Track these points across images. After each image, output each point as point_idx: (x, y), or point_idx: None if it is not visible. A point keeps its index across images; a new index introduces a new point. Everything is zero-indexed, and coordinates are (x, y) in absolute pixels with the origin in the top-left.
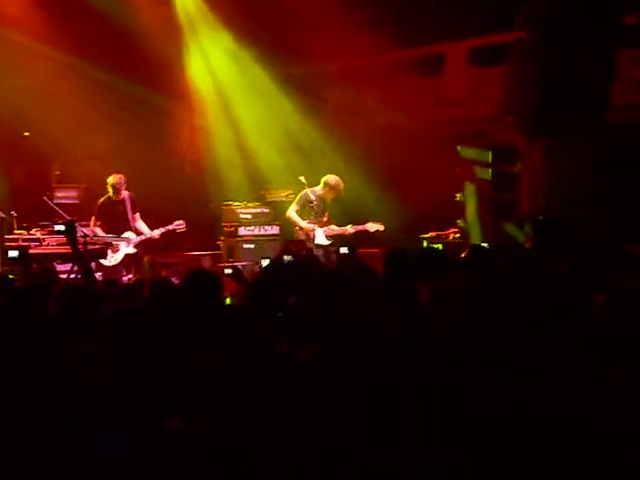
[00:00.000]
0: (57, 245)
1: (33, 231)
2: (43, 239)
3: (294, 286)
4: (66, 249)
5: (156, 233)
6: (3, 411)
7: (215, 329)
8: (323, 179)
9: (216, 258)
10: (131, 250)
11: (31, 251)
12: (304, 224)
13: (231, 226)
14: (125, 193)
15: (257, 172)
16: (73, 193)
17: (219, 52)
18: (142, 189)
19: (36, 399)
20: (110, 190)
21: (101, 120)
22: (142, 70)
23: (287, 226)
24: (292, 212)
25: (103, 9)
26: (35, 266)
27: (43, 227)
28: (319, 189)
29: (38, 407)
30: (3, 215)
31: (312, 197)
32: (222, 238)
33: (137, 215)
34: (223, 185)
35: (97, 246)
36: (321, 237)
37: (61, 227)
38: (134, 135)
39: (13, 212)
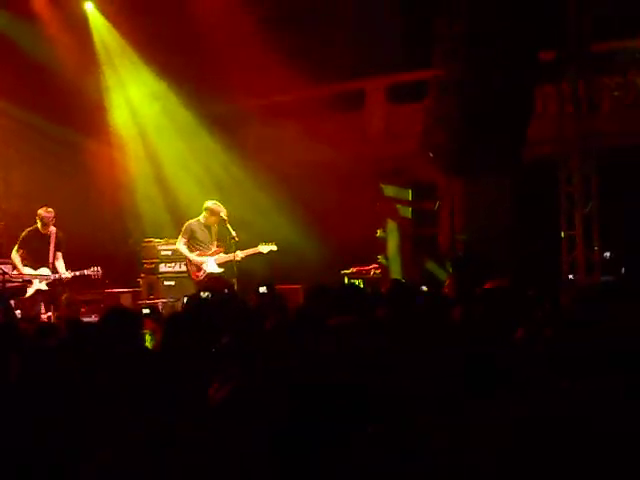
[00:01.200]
0: None
1: None
2: None
3: (215, 324)
4: None
5: (68, 275)
6: None
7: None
8: (204, 206)
9: (136, 295)
10: (43, 287)
11: None
12: (193, 256)
13: (151, 263)
14: (53, 229)
15: (178, 208)
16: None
17: (139, 88)
18: (61, 226)
19: None
20: (38, 222)
21: (19, 158)
22: (60, 108)
23: None
24: (180, 244)
25: (25, 49)
26: None
27: None
28: (201, 217)
29: None
30: None
31: (195, 227)
32: (142, 275)
33: (59, 254)
34: (143, 222)
35: (16, 284)
36: (213, 266)
37: None
38: (52, 173)
39: None
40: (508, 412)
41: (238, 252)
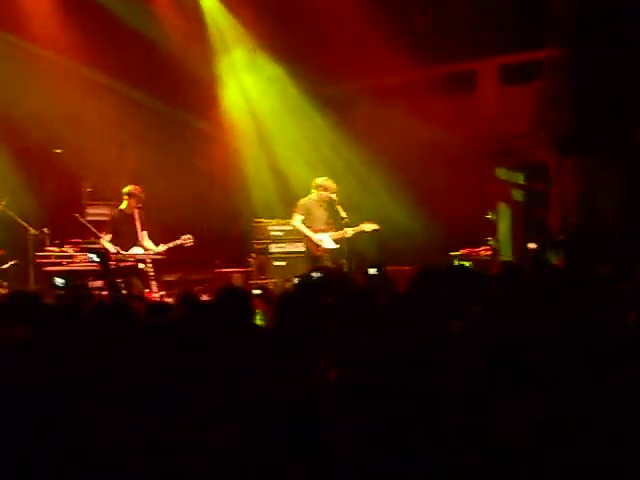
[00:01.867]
0: (90, 262)
1: (65, 248)
2: (75, 256)
3: (326, 305)
4: (96, 266)
5: (162, 249)
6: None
7: (244, 350)
8: (314, 183)
9: (247, 275)
10: (141, 266)
11: (63, 268)
12: (310, 233)
13: (262, 243)
14: (135, 210)
15: (288, 189)
16: (104, 210)
17: (251, 70)
18: (172, 207)
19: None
20: (125, 201)
21: (132, 138)
22: (174, 89)
23: None
24: (297, 222)
25: (137, 29)
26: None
27: (75, 244)
28: (314, 195)
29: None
30: (35, 232)
31: (310, 205)
32: (253, 255)
33: (145, 233)
34: (254, 203)
35: (129, 263)
36: (329, 242)
37: (94, 257)
38: (165, 154)
39: (45, 229)
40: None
41: (347, 229)
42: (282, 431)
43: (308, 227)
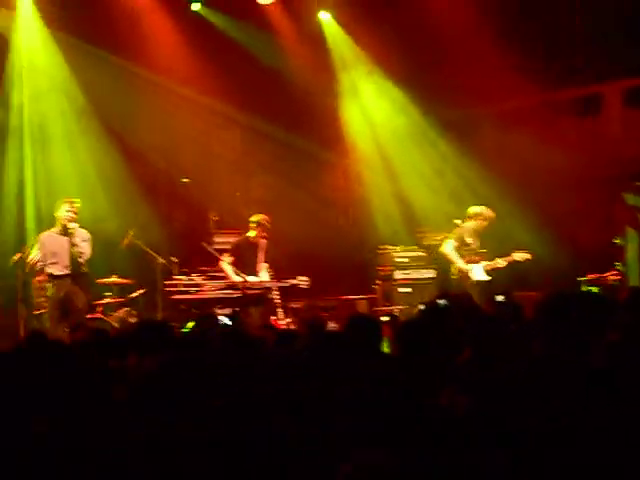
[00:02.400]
0: (217, 290)
1: (193, 276)
2: (203, 284)
3: (453, 334)
4: (226, 294)
5: (273, 286)
6: None
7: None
8: (472, 211)
9: (372, 302)
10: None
11: (191, 296)
12: (462, 262)
13: (387, 270)
14: (261, 239)
15: (412, 216)
16: (230, 239)
17: (374, 97)
18: (297, 235)
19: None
20: (254, 230)
21: (258, 168)
22: (298, 119)
23: (444, 268)
24: (449, 248)
25: (259, 59)
26: (195, 312)
27: (202, 272)
28: (471, 224)
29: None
30: (163, 261)
31: (467, 233)
32: (378, 282)
33: (265, 265)
34: (378, 230)
35: (256, 291)
36: (480, 273)
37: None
38: (290, 182)
39: (173, 258)
40: None
41: (499, 259)
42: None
43: (460, 256)
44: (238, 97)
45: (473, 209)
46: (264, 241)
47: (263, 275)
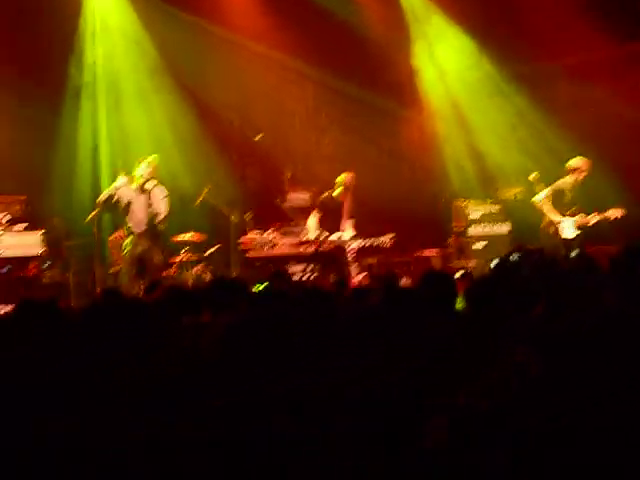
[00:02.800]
0: (290, 247)
1: (266, 233)
2: (276, 241)
3: (528, 288)
4: (299, 251)
5: (360, 243)
6: None
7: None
8: (572, 164)
9: (446, 257)
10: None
11: (264, 253)
12: (555, 215)
13: (461, 225)
14: (348, 196)
15: (486, 171)
16: (304, 196)
17: (448, 51)
18: (371, 191)
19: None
20: (338, 188)
21: (331, 124)
22: (372, 74)
23: (519, 224)
24: (543, 199)
25: (332, 14)
26: (270, 268)
27: (276, 229)
28: (569, 178)
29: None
30: (237, 218)
31: (565, 187)
32: (452, 237)
33: (350, 221)
34: (452, 184)
35: (330, 247)
36: (570, 229)
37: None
38: (363, 138)
39: (247, 215)
40: None
41: (591, 216)
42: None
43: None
44: (310, 53)
45: (573, 162)
46: (349, 200)
47: (348, 232)
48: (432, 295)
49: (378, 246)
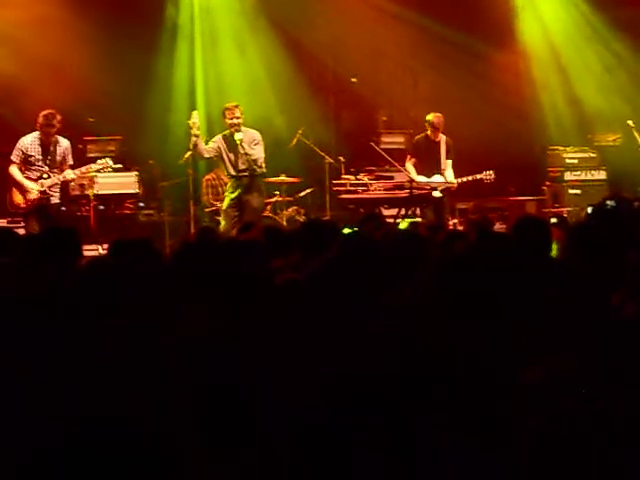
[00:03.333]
0: (384, 190)
1: (360, 176)
2: (370, 184)
3: (622, 235)
4: (393, 194)
5: (457, 181)
6: None
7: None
8: None
9: (541, 203)
10: (438, 194)
11: (358, 196)
12: None
13: (556, 171)
14: (442, 136)
15: (583, 116)
16: (399, 139)
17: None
18: (465, 135)
19: None
20: (428, 129)
21: (427, 67)
22: (468, 17)
23: (615, 171)
24: None
25: None
26: (361, 211)
27: (370, 172)
28: None
29: None
30: (331, 160)
31: None
32: (547, 183)
33: (449, 162)
34: (549, 130)
35: (423, 191)
36: None
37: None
38: (459, 82)
39: (341, 157)
40: None
41: None
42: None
43: None
44: None
45: None
46: (444, 138)
47: (449, 173)
48: (526, 241)
49: (476, 184)
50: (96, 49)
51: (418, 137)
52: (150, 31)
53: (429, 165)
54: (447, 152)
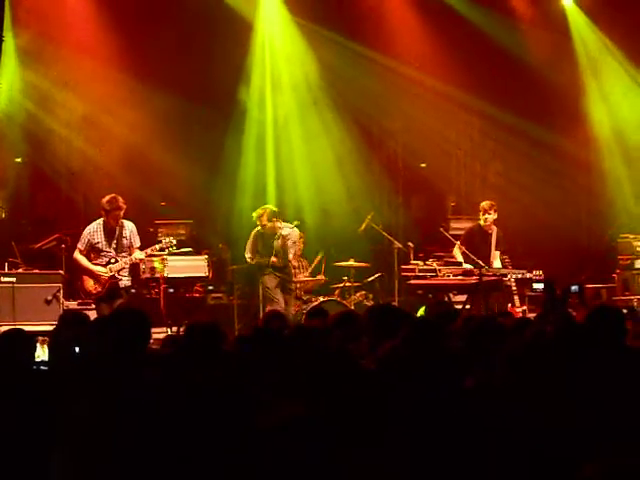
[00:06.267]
0: (453, 276)
1: (429, 261)
2: (439, 270)
3: None
4: (462, 280)
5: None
6: None
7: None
8: None
9: (611, 291)
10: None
11: (427, 282)
12: None
13: (627, 259)
14: (494, 227)
15: None
16: (468, 225)
17: (619, 86)
18: (534, 224)
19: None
20: (482, 219)
21: (495, 155)
22: (537, 107)
23: None
24: None
25: (499, 44)
26: (430, 297)
27: (439, 258)
28: None
29: None
30: (400, 245)
31: None
32: (617, 271)
33: (497, 253)
34: (617, 218)
35: (493, 277)
36: None
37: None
38: (526, 171)
39: (410, 243)
40: None
41: None
42: None
43: None
44: (474, 84)
45: None
46: (495, 228)
47: (496, 263)
48: (602, 330)
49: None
50: (168, 131)
51: (472, 226)
52: (221, 116)
53: (479, 255)
54: (497, 244)
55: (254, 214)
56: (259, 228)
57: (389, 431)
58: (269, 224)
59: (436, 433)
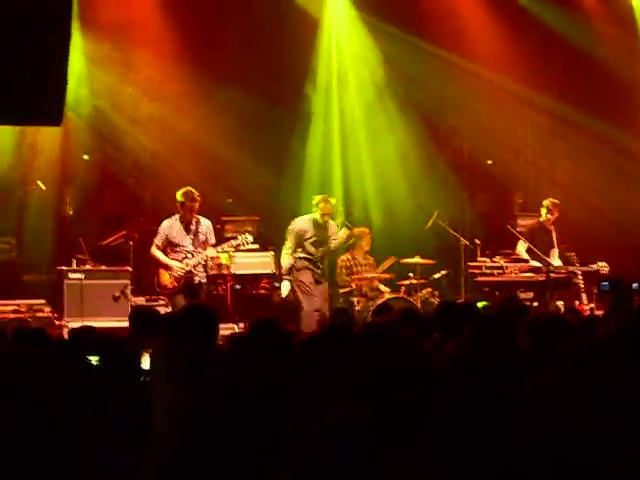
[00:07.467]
0: (520, 273)
1: (496, 259)
2: (506, 267)
3: None
4: (529, 277)
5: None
6: None
7: None
8: None
9: None
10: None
11: (494, 279)
12: None
13: None
14: (553, 226)
15: None
16: (534, 221)
17: None
18: (602, 223)
19: None
20: (544, 213)
21: (563, 153)
22: (608, 106)
23: None
24: None
25: (567, 43)
26: (497, 294)
27: (506, 255)
28: None
29: None
30: (467, 242)
31: None
32: None
33: (556, 250)
34: None
35: (561, 275)
36: None
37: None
38: (595, 171)
39: (476, 240)
40: None
41: None
42: None
43: None
44: (544, 82)
45: None
46: (554, 226)
47: (555, 262)
48: None
49: (597, 272)
50: (234, 128)
51: (533, 223)
52: (287, 111)
53: (541, 250)
54: (558, 238)
55: (316, 197)
56: (316, 216)
57: (454, 430)
58: (328, 215)
59: (501, 431)
